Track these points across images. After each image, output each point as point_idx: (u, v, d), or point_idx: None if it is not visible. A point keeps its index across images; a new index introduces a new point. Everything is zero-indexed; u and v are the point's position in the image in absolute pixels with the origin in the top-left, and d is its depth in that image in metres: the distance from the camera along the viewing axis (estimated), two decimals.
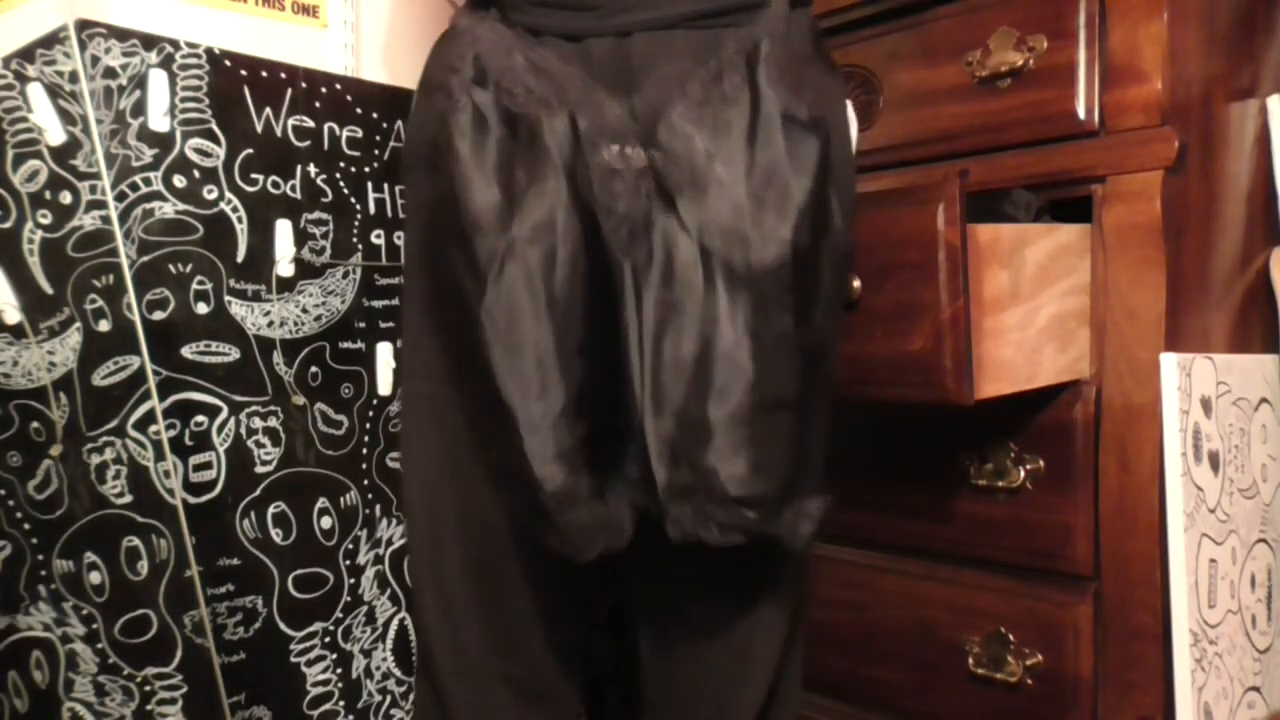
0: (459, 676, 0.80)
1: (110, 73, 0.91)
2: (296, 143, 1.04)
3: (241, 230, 0.99)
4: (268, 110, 1.02)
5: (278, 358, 1.02)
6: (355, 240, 1.09)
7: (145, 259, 0.93)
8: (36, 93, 0.94)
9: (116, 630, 0.97)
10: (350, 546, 1.08)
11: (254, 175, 1.00)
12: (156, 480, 0.94)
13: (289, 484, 1.03)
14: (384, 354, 1.12)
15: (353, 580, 1.08)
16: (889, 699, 1.16)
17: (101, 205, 0.92)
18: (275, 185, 1.02)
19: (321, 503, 1.06)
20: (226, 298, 0.98)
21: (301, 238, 1.04)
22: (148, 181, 0.93)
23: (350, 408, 1.09)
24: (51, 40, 0.91)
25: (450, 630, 0.79)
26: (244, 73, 1.00)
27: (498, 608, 0.79)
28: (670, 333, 0.67)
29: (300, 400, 1.04)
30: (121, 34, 0.92)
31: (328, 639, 1.06)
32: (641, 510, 0.71)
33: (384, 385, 1.12)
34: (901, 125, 1.14)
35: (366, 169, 1.10)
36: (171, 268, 0.95)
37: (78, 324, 0.96)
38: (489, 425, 0.70)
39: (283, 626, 1.02)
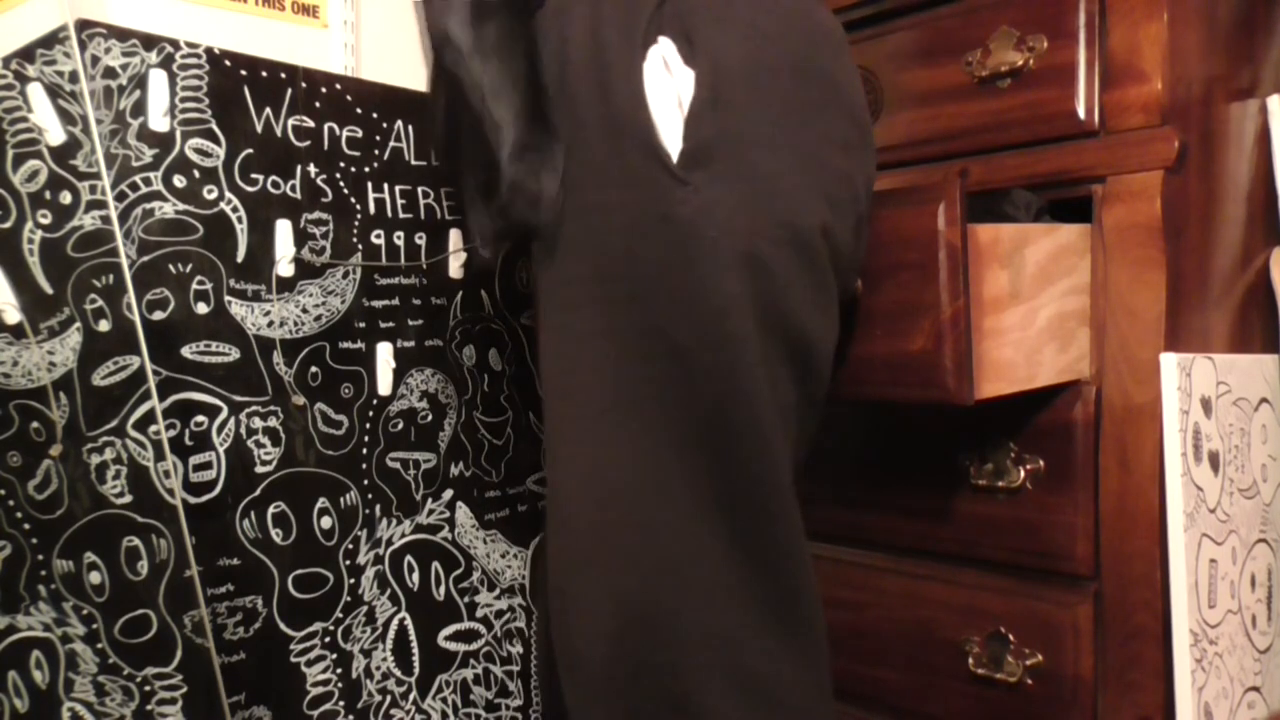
0: None
1: (110, 73, 0.91)
2: (296, 143, 1.04)
3: (241, 230, 0.99)
4: (268, 110, 1.02)
5: (278, 358, 1.02)
6: (355, 240, 1.09)
7: (145, 259, 0.93)
8: (36, 93, 0.94)
9: (116, 630, 0.97)
10: (350, 546, 1.08)
11: (254, 175, 1.00)
12: (156, 480, 0.94)
13: (289, 484, 1.03)
14: (384, 354, 1.12)
15: (353, 580, 1.08)
16: (889, 699, 1.16)
17: (101, 205, 0.92)
18: (275, 185, 1.02)
19: (321, 503, 1.06)
20: (226, 298, 0.98)
21: (301, 238, 1.04)
22: (148, 181, 0.93)
23: (350, 408, 1.09)
24: (51, 40, 0.91)
25: None
26: (244, 73, 1.00)
27: None
28: None
29: (300, 400, 1.04)
30: (121, 34, 0.92)
31: (328, 639, 1.06)
32: None
33: (384, 385, 1.12)
34: (902, 125, 1.14)
35: (367, 169, 1.10)
36: (171, 268, 0.95)
37: (78, 324, 0.96)
38: None
39: (283, 626, 1.02)
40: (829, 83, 0.81)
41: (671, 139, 0.73)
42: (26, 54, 0.94)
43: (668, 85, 0.73)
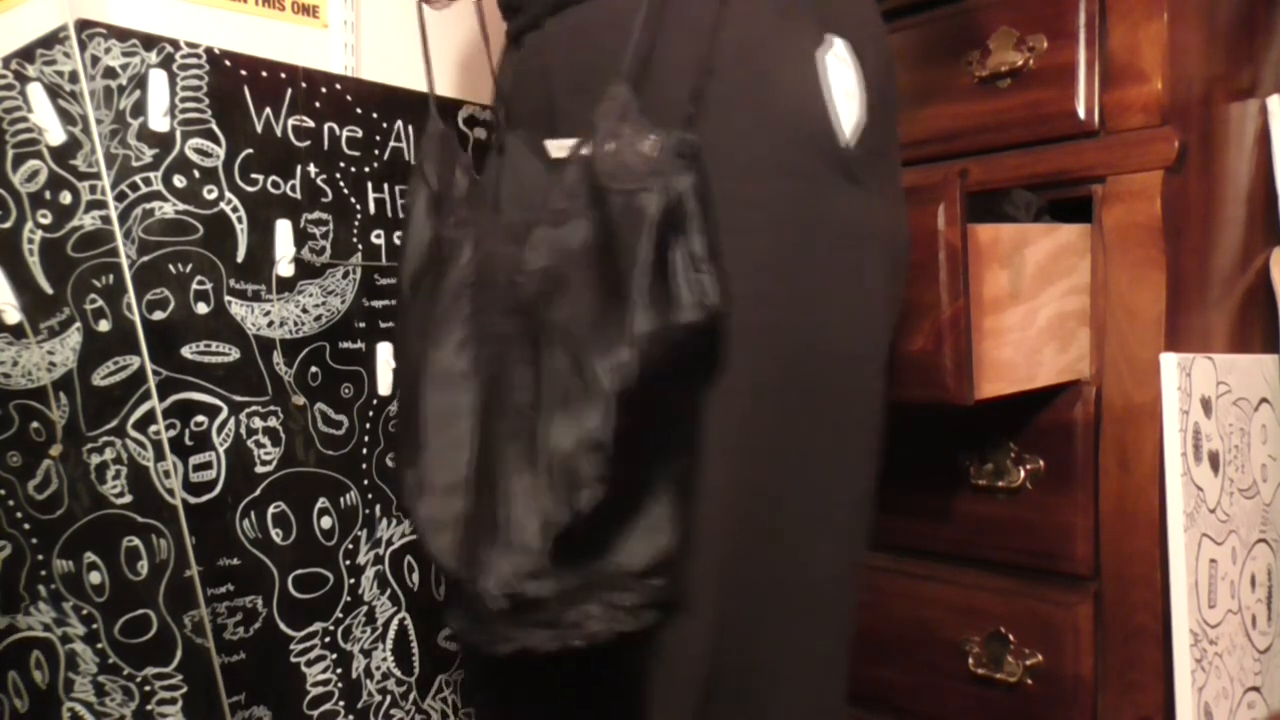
0: None
1: (110, 73, 0.91)
2: (296, 143, 1.04)
3: (241, 230, 0.99)
4: (268, 110, 1.02)
5: (278, 358, 1.02)
6: (355, 240, 1.09)
7: (145, 259, 0.93)
8: (36, 93, 0.94)
9: (116, 630, 0.97)
10: (350, 546, 1.08)
11: (254, 175, 1.00)
12: (156, 480, 0.94)
13: (289, 484, 1.03)
14: (384, 354, 1.12)
15: (353, 580, 1.08)
16: (889, 699, 1.16)
17: (101, 205, 0.92)
18: (275, 185, 1.02)
19: (321, 503, 1.06)
20: (226, 298, 0.98)
21: (301, 238, 1.04)
22: (148, 181, 0.93)
23: (350, 408, 1.09)
24: (51, 40, 0.91)
25: None
26: (244, 73, 1.00)
27: None
28: None
29: (300, 400, 1.04)
30: (121, 34, 0.92)
31: (328, 639, 1.06)
32: None
33: (384, 385, 1.12)
34: (902, 125, 1.14)
35: (366, 169, 1.10)
36: (171, 268, 0.95)
37: (78, 324, 0.96)
38: None
39: (283, 626, 1.02)
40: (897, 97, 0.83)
41: (845, 138, 0.71)
42: (26, 54, 0.94)
43: (841, 83, 0.72)
